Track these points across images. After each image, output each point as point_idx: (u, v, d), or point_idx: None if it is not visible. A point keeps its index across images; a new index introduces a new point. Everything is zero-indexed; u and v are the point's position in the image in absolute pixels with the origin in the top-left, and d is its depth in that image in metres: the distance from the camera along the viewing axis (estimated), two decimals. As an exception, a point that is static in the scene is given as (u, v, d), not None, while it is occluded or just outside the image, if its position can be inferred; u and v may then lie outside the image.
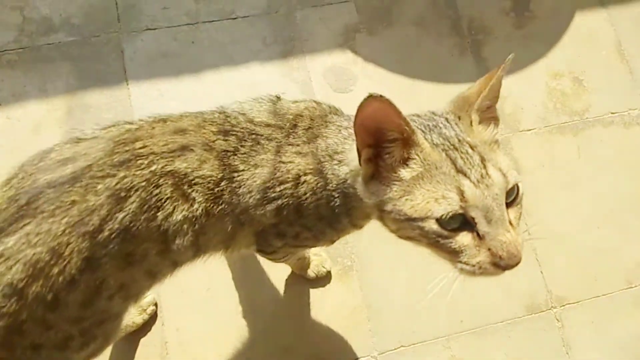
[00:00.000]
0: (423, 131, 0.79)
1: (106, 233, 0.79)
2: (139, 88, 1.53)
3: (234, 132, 0.88)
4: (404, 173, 0.77)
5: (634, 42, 1.74)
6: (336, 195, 0.88)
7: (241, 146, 0.87)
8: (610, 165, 1.60)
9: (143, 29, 1.58)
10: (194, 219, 0.85)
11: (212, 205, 0.86)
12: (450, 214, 0.73)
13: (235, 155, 0.87)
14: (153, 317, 1.34)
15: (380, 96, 0.69)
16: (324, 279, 1.41)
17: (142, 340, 1.34)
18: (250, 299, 1.38)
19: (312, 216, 0.92)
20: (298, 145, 0.89)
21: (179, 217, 0.84)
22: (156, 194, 0.82)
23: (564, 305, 1.46)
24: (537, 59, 1.68)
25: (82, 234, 0.77)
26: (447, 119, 0.81)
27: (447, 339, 1.40)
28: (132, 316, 1.30)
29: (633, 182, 1.59)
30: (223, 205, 0.87)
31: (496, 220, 0.73)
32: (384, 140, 0.76)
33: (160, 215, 0.82)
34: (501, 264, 0.74)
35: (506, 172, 0.75)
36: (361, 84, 1.59)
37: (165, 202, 0.82)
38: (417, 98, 1.59)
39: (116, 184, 0.79)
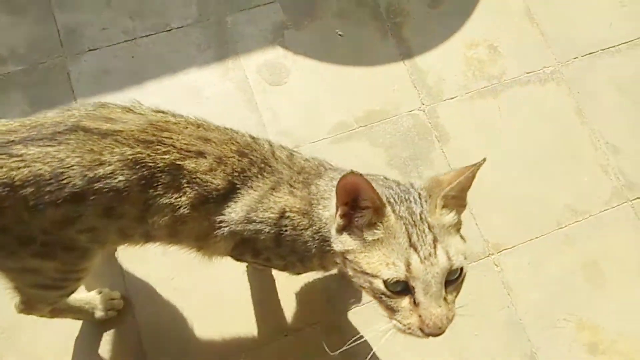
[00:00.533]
0: (395, 201, 0.92)
1: (101, 184, 0.92)
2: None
3: (250, 157, 1.02)
4: (368, 235, 0.90)
5: (542, 6, 1.89)
6: (316, 238, 1.02)
7: (249, 169, 1.01)
8: (531, 120, 1.74)
9: (85, 50, 1.69)
10: (177, 207, 0.98)
11: (199, 203, 0.99)
12: (395, 279, 0.86)
13: (240, 174, 1.00)
14: (123, 311, 1.45)
15: (360, 175, 0.84)
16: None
17: (117, 334, 1.44)
18: (216, 285, 1.49)
19: (288, 248, 1.05)
20: (293, 187, 1.03)
21: (165, 201, 0.97)
22: (156, 177, 0.95)
23: (500, 251, 1.59)
24: (453, 33, 1.82)
25: (83, 175, 0.92)
26: (419, 195, 0.93)
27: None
28: (101, 312, 1.41)
29: (553, 133, 1.73)
30: (208, 208, 1.00)
31: (432, 294, 0.85)
32: (358, 205, 0.90)
33: (150, 192, 0.96)
34: (426, 330, 0.86)
35: (452, 255, 0.87)
36: (294, 75, 1.72)
37: (160, 185, 0.96)
38: (346, 82, 1.73)
39: (130, 154, 0.93)
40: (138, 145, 0.94)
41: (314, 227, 1.01)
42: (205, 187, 0.98)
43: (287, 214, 1.02)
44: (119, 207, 0.96)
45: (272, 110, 1.67)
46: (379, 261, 0.88)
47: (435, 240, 0.87)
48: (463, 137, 1.71)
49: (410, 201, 0.92)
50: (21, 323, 1.41)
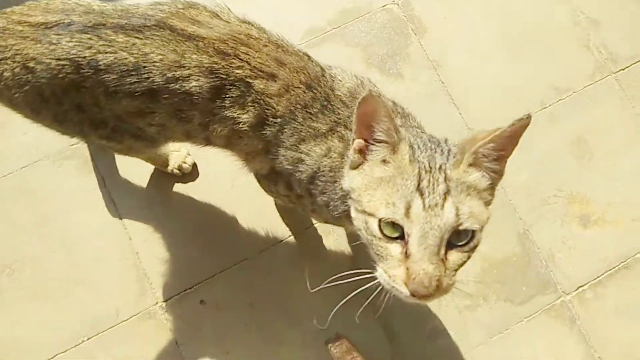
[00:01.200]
0: (418, 146, 0.83)
1: (177, 86, 0.94)
2: None
3: (315, 91, 0.97)
4: (377, 171, 0.83)
5: None
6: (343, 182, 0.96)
7: (311, 105, 0.97)
8: (509, 2, 1.69)
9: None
10: (238, 122, 0.98)
11: (259, 125, 0.98)
12: (389, 219, 0.78)
13: (303, 108, 0.97)
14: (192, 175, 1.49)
15: (379, 98, 0.76)
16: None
17: (116, 257, 1.46)
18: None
19: (320, 188, 1.01)
20: (345, 129, 0.98)
21: (229, 114, 0.97)
22: (227, 89, 0.95)
23: (486, 137, 1.58)
24: None
25: (163, 73, 0.94)
26: (449, 150, 0.84)
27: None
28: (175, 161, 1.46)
29: (532, 14, 1.68)
30: (266, 132, 0.99)
31: (426, 247, 0.76)
32: (374, 138, 0.83)
33: (218, 103, 0.96)
34: (410, 286, 0.76)
35: (462, 214, 0.77)
36: (258, -18, 1.65)
37: (227, 97, 0.96)
38: None
39: (207, 62, 0.94)
40: (215, 56, 0.94)
41: (345, 170, 0.95)
42: (266, 110, 0.97)
43: (330, 154, 0.98)
44: (188, 111, 0.98)
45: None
46: (380, 200, 0.80)
47: (447, 193, 0.78)
48: (440, 28, 1.66)
49: (436, 151, 0.83)
50: (24, 259, 1.42)
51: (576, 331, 1.47)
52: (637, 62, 1.65)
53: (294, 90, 0.97)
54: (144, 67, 0.93)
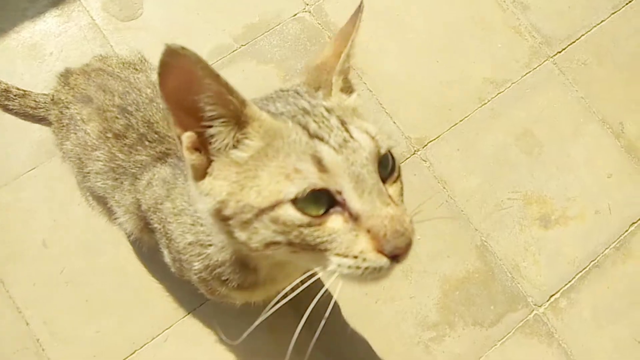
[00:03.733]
0: (264, 104, 0.65)
1: None
2: None
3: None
4: (239, 154, 0.61)
5: None
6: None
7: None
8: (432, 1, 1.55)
9: None
10: None
11: None
12: (308, 190, 0.57)
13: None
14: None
15: (182, 49, 0.52)
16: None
17: (14, 348, 1.21)
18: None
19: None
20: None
21: None
22: None
23: (425, 145, 1.42)
24: None
25: None
26: (296, 92, 0.67)
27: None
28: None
29: (457, 7, 1.55)
30: None
31: (370, 191, 0.58)
32: (206, 118, 0.60)
33: None
34: (386, 247, 0.58)
35: (375, 135, 0.62)
36: (148, 4, 1.45)
37: None
38: (215, 1, 1.48)
39: None
40: None
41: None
42: None
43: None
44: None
45: (131, 49, 1.40)
46: (272, 180, 0.58)
47: (343, 123, 0.61)
48: (360, 34, 1.50)
49: (289, 96, 0.66)
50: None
51: (555, 346, 1.31)
52: (573, 42, 1.53)
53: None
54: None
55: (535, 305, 1.33)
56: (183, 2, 1.47)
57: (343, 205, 0.59)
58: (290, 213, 0.58)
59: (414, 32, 1.53)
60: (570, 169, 1.44)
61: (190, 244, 0.78)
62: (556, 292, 1.35)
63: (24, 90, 1.26)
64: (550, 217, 1.40)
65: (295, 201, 0.58)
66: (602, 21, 1.56)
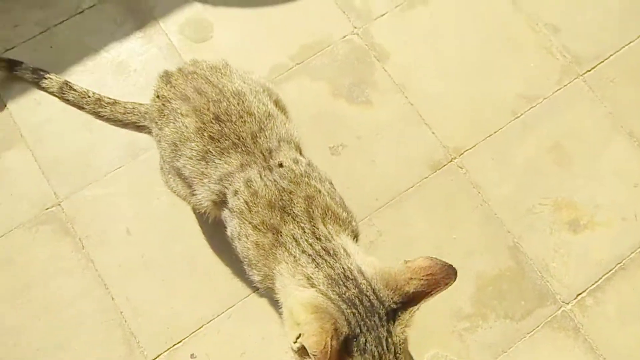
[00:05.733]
0: (359, 329, 0.85)
1: None
2: (17, 104, 1.58)
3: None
4: None
5: None
6: None
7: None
8: (466, 19, 1.71)
9: (1, 52, 1.62)
10: None
11: None
12: None
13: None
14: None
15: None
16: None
17: (102, 319, 1.40)
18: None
19: None
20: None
21: None
22: None
23: (462, 154, 1.56)
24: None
25: None
26: (386, 312, 0.87)
27: (369, 219, 1.50)
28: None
29: (490, 28, 1.70)
30: None
31: None
32: None
33: None
34: None
35: None
36: (218, 28, 1.67)
37: None
38: (272, 23, 1.68)
39: None
40: None
41: None
42: None
43: None
44: None
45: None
46: None
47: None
48: (401, 52, 1.67)
49: (377, 326, 0.86)
50: (6, 330, 1.38)
51: (581, 340, 1.41)
52: (602, 62, 1.65)
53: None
54: None
55: (563, 302, 1.44)
56: (247, 26, 1.67)
57: None
58: None
59: (449, 49, 1.67)
60: (599, 179, 1.55)
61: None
62: (583, 291, 1.45)
63: (114, 99, 1.49)
64: (579, 222, 1.51)
65: None
66: (630, 42, 1.67)
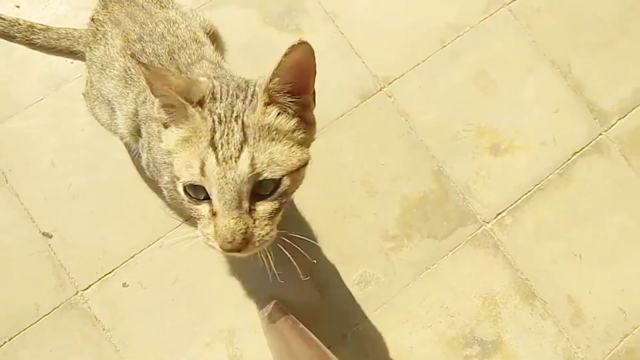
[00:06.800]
0: (216, 97, 0.79)
1: None
2: None
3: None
4: (179, 132, 0.79)
5: None
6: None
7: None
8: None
9: None
10: None
11: None
12: (189, 182, 0.77)
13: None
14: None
15: (152, 66, 0.74)
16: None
17: (29, 252, 1.40)
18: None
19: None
20: None
21: None
22: None
23: (391, 83, 1.59)
24: None
25: None
26: (253, 92, 0.80)
27: (299, 148, 1.52)
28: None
29: (422, -43, 1.70)
30: None
31: (225, 203, 0.74)
32: (163, 101, 0.79)
33: None
34: (217, 242, 0.77)
35: (259, 163, 0.74)
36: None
37: None
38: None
39: None
40: None
41: None
42: None
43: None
44: None
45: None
46: (182, 163, 0.78)
47: (243, 142, 0.75)
48: (335, -20, 1.65)
49: (238, 97, 0.80)
50: None
51: (500, 257, 1.51)
52: (527, -10, 1.69)
53: None
54: None
55: (483, 221, 1.52)
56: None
57: (211, 201, 0.78)
58: (181, 190, 0.80)
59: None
60: (521, 105, 1.61)
61: (164, 162, 1.00)
62: (503, 211, 1.53)
63: (47, 26, 1.43)
64: (500, 147, 1.58)
65: (184, 184, 0.79)
66: (555, -29, 1.71)
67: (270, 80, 0.76)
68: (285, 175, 0.77)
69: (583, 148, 1.60)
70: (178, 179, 0.79)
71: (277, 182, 0.77)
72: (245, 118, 0.77)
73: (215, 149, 0.75)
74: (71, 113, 1.44)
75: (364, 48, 1.60)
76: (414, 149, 1.55)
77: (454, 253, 1.49)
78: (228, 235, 0.75)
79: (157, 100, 0.80)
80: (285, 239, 0.89)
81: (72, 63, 1.48)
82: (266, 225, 0.79)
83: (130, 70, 1.09)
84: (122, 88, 1.11)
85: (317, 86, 1.50)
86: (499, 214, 1.53)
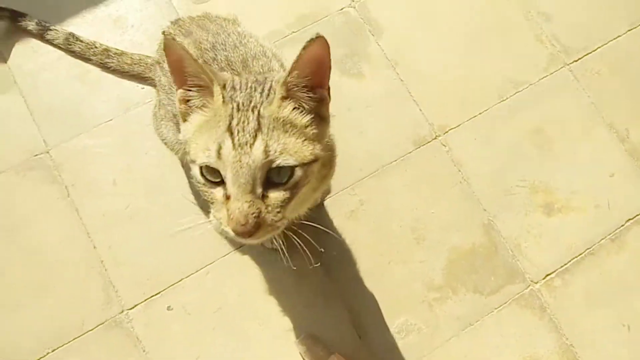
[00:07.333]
0: (236, 87, 0.83)
1: None
2: (12, 51, 1.59)
3: None
4: (199, 117, 0.84)
5: None
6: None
7: None
8: (459, 2, 1.74)
9: (-1, -2, 1.63)
10: None
11: None
12: (205, 164, 0.80)
13: None
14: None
15: (173, 39, 0.77)
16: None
17: (82, 267, 1.44)
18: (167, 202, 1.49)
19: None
20: None
21: None
22: None
23: (447, 132, 1.60)
24: None
25: None
26: (270, 86, 0.84)
27: (352, 188, 1.53)
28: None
29: (484, 10, 1.72)
30: None
31: (239, 186, 0.78)
32: (188, 84, 0.84)
33: None
34: (230, 225, 0.79)
35: (273, 151, 0.78)
36: (218, -11, 1.69)
37: None
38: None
39: None
40: None
41: None
42: None
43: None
44: None
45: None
46: (200, 146, 0.81)
47: (257, 130, 0.79)
48: (396, 28, 1.70)
49: (256, 90, 0.83)
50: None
51: (547, 320, 1.47)
52: (589, 53, 1.69)
53: None
54: None
55: (531, 281, 1.49)
56: (246, -9, 1.69)
57: (225, 185, 0.80)
58: (196, 172, 0.83)
59: (442, 27, 1.70)
60: (576, 166, 1.60)
61: None
62: (552, 272, 1.50)
63: (122, 50, 1.51)
64: (554, 206, 1.56)
65: (200, 166, 0.81)
66: (618, 36, 1.71)
67: (289, 73, 0.80)
68: (298, 166, 0.80)
69: (636, 215, 1.57)
70: (194, 161, 0.82)
71: (291, 172, 0.81)
72: (261, 109, 0.81)
73: (232, 134, 0.78)
74: (138, 136, 1.50)
75: (422, 96, 1.63)
76: (466, 200, 1.54)
77: (500, 311, 1.46)
78: (241, 217, 0.78)
79: (180, 91, 0.85)
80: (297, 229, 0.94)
81: (142, 88, 1.55)
82: (278, 212, 0.81)
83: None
84: None
85: (375, 130, 1.53)
86: (548, 274, 1.50)
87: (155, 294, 1.42)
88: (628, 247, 1.54)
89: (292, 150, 0.80)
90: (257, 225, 0.79)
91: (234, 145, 0.78)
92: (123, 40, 1.61)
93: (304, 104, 0.84)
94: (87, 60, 1.57)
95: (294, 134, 0.81)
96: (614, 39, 1.71)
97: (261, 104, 0.81)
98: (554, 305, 1.48)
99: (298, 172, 0.81)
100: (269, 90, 0.83)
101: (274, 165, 0.79)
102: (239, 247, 1.45)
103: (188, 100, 0.86)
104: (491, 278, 1.49)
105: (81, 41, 1.53)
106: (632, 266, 1.53)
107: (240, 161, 0.77)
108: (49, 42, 1.56)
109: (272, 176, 0.80)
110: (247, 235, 0.79)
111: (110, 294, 1.41)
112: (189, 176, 1.20)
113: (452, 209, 1.53)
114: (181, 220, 1.30)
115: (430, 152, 1.58)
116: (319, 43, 0.77)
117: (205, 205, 1.43)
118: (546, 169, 1.59)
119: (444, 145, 1.59)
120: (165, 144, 1.32)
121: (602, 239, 1.54)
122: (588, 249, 1.53)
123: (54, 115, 1.54)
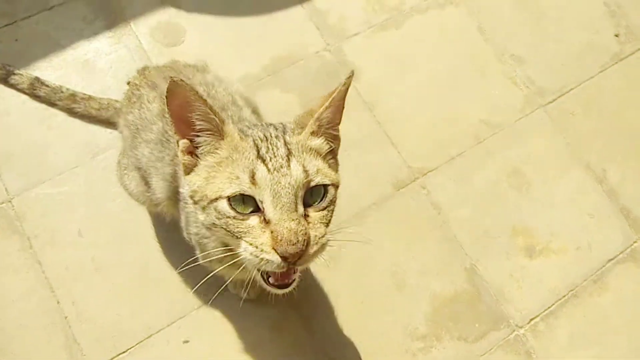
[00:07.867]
0: (248, 128, 0.85)
1: None
2: (-27, 96, 1.53)
3: None
4: (211, 160, 0.82)
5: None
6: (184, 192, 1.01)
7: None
8: (436, 45, 1.75)
9: (-37, 40, 1.57)
10: None
11: None
12: (238, 192, 0.78)
13: None
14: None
15: (181, 81, 0.75)
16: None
17: (43, 323, 1.34)
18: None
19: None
20: None
21: None
22: None
23: (425, 174, 1.58)
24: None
25: None
26: (284, 126, 0.86)
27: (330, 233, 1.48)
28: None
29: (459, 54, 1.74)
30: None
31: (282, 206, 0.77)
32: (196, 130, 0.81)
33: None
34: (279, 248, 0.76)
35: (310, 170, 0.80)
36: (190, 34, 1.66)
37: None
38: (246, 33, 1.68)
39: None
40: None
41: None
42: None
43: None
44: None
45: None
46: (222, 181, 0.79)
47: (289, 154, 0.80)
48: (372, 72, 1.70)
49: (269, 127, 0.86)
50: None
51: (533, 365, 1.42)
52: (564, 94, 1.71)
53: None
54: None
55: (516, 326, 1.45)
56: (220, 34, 1.67)
57: (262, 211, 0.78)
58: (224, 206, 0.79)
59: (418, 71, 1.71)
60: (555, 207, 1.59)
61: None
62: (536, 316, 1.47)
63: (89, 95, 1.46)
64: (535, 249, 1.54)
65: (230, 199, 0.79)
66: (591, 77, 1.74)
67: (326, 108, 0.83)
68: (331, 185, 0.83)
69: (617, 255, 1.56)
70: (216, 199, 0.79)
71: (325, 190, 0.83)
72: (287, 137, 0.83)
73: (264, 160, 0.79)
74: (104, 182, 1.43)
75: (400, 138, 1.61)
76: (446, 243, 1.51)
77: (485, 358, 1.41)
78: (292, 236, 0.75)
79: (183, 141, 0.83)
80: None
81: (111, 133, 1.49)
82: (319, 228, 0.81)
83: (167, 132, 1.08)
84: (158, 152, 1.10)
85: (353, 173, 1.50)
86: (533, 319, 1.46)
87: (122, 352, 1.33)
88: (610, 288, 1.52)
89: (324, 170, 0.83)
90: (305, 244, 0.77)
91: (268, 169, 0.78)
92: (92, 83, 1.56)
93: (328, 139, 0.87)
94: (52, 105, 1.51)
95: (317, 158, 0.84)
96: (587, 79, 1.74)
97: (283, 134, 0.83)
98: (540, 349, 1.44)
99: (331, 191, 0.84)
100: (284, 127, 0.86)
101: (313, 184, 0.80)
102: (212, 299, 1.37)
103: (193, 151, 0.84)
104: (475, 324, 1.44)
105: (47, 86, 1.48)
106: (615, 307, 1.50)
107: (280, 182, 0.77)
108: (13, 86, 1.50)
109: (309, 197, 0.81)
110: (297, 256, 0.77)
111: (74, 352, 1.32)
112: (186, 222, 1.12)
113: (433, 253, 1.50)
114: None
115: (409, 195, 1.55)
116: (349, 82, 0.82)
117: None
118: (525, 210, 1.57)
119: (422, 187, 1.56)
120: (130, 194, 1.26)
121: (585, 280, 1.52)
122: (571, 290, 1.50)
123: (16, 162, 1.46)
